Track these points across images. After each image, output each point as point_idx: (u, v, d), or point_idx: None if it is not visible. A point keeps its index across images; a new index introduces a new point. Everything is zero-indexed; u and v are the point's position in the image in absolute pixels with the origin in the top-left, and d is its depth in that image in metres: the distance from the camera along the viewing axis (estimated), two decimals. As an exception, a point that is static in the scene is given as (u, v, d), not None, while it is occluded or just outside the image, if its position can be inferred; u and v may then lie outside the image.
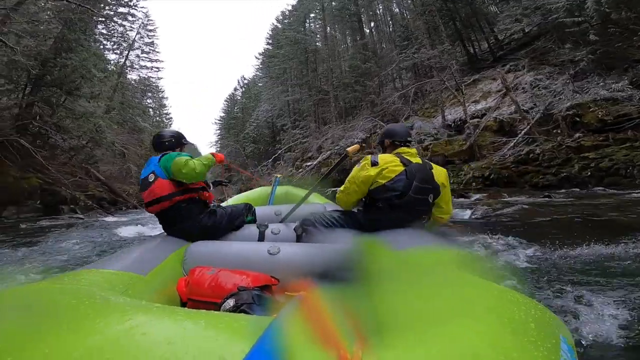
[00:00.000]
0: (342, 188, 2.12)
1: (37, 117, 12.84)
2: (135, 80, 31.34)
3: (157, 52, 31.96)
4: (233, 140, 43.87)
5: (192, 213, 2.10)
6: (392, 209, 1.89)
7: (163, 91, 38.56)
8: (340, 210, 2.26)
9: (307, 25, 34.25)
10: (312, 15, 34.81)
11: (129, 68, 29.67)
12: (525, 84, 12.92)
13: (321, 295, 0.74)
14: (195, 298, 1.49)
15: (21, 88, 12.56)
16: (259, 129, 40.58)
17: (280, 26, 39.61)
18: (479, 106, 13.89)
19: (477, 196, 8.25)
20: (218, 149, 51.27)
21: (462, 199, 8.35)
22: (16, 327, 0.66)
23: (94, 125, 14.96)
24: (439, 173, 2.07)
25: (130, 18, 26.06)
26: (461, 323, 0.67)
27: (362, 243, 1.73)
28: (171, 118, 43.47)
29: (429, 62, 17.10)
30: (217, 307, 1.31)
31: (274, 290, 1.53)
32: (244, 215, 2.44)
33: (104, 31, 24.08)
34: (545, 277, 2.27)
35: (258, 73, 46.86)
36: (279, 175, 4.06)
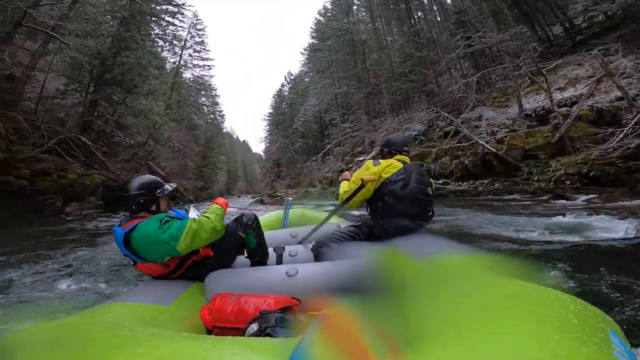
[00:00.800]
0: (346, 188, 2.22)
1: (96, 115, 13.31)
2: (189, 79, 32.54)
3: (208, 50, 32.95)
4: (282, 135, 44.33)
5: (194, 276, 1.85)
6: (398, 200, 2.03)
7: (215, 89, 39.81)
8: (352, 225, 2.34)
9: (349, 18, 33.27)
10: (354, 7, 33.77)
11: (183, 67, 30.81)
12: (625, 68, 11.14)
13: (344, 311, 0.72)
14: (220, 325, 1.47)
15: (84, 88, 13.03)
16: (307, 124, 40.50)
17: (323, 20, 38.97)
18: (566, 94, 12.21)
19: (585, 197, 6.95)
20: (267, 144, 52.24)
21: (563, 201, 7.10)
22: None
23: (151, 122, 15.40)
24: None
25: (180, 17, 26.89)
26: (500, 325, 0.63)
27: (381, 254, 1.71)
28: (224, 115, 44.93)
29: (499, 46, 15.50)
30: (241, 332, 1.30)
31: (296, 311, 1.51)
32: (238, 233, 2.03)
33: (157, 30, 25.00)
34: None
35: (304, 68, 46.78)
36: (291, 199, 4.27)
